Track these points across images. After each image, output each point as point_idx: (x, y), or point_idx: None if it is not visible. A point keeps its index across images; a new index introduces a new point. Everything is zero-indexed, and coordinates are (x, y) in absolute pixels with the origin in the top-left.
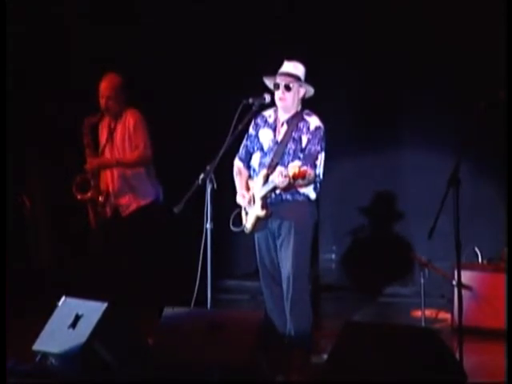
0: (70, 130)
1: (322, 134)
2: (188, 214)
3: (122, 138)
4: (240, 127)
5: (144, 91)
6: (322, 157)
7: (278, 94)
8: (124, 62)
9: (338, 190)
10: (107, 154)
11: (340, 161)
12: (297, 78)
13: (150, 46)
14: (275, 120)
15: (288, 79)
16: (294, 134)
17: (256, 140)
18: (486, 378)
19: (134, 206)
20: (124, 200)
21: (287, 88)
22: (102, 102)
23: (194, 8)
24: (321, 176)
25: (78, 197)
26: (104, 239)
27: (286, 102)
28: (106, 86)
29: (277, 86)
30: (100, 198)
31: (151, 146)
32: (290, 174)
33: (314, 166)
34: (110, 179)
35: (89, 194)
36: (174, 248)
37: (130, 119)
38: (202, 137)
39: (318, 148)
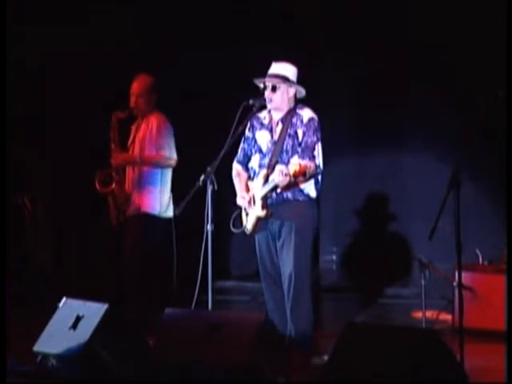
0: (70, 130)
1: (316, 124)
2: (188, 216)
3: (143, 137)
4: (240, 128)
5: None
6: (319, 147)
7: (266, 95)
8: (123, 63)
9: (338, 191)
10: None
11: (340, 161)
12: (284, 78)
13: (149, 46)
14: (270, 120)
15: (274, 80)
16: (289, 130)
17: (253, 142)
18: (486, 379)
19: (137, 207)
20: (133, 199)
21: (273, 89)
22: (132, 100)
23: (193, 7)
24: (321, 166)
25: (99, 188)
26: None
27: (273, 102)
28: (137, 85)
29: (265, 88)
30: (121, 193)
31: (175, 151)
32: (291, 172)
33: (313, 158)
34: (128, 177)
35: (111, 187)
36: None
37: (153, 121)
38: (202, 138)
39: (314, 139)
